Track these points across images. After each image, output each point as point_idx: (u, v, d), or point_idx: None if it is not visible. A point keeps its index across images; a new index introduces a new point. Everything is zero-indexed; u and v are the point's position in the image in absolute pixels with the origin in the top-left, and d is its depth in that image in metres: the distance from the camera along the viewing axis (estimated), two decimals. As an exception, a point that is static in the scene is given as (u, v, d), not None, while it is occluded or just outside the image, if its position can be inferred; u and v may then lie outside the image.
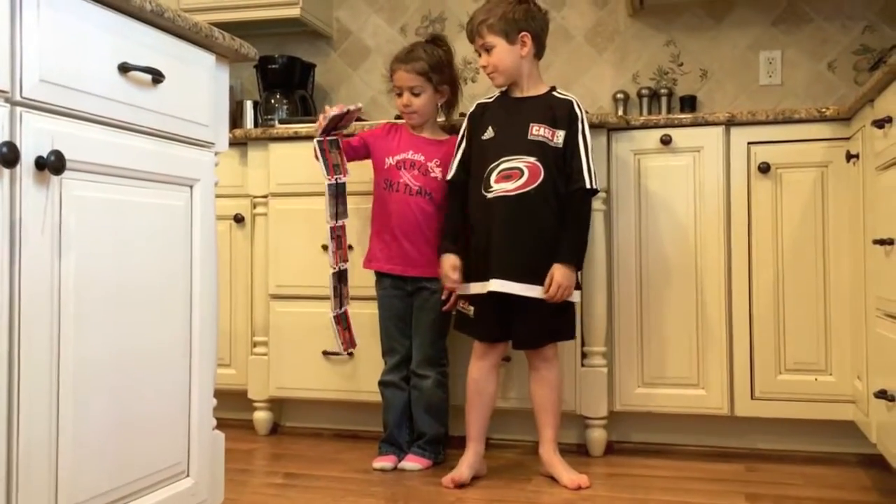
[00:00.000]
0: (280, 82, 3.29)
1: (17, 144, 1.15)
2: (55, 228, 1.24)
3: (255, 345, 2.74)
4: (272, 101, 3.28)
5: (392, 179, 2.38)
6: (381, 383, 2.42)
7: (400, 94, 2.40)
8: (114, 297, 1.37)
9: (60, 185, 1.25)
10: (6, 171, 1.15)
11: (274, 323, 2.70)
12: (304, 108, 3.28)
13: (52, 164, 1.19)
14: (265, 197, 2.72)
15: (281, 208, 2.69)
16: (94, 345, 1.32)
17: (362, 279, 2.48)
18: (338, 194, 2.35)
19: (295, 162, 2.66)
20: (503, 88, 2.29)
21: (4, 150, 1.12)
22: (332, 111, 2.32)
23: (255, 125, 3.29)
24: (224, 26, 3.04)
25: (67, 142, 1.25)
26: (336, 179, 2.34)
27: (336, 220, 2.36)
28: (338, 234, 2.36)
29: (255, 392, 2.72)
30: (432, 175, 2.38)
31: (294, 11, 3.19)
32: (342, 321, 2.39)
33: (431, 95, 2.40)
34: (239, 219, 2.78)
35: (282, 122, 2.95)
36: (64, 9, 1.26)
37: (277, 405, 2.79)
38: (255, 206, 2.75)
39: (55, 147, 1.21)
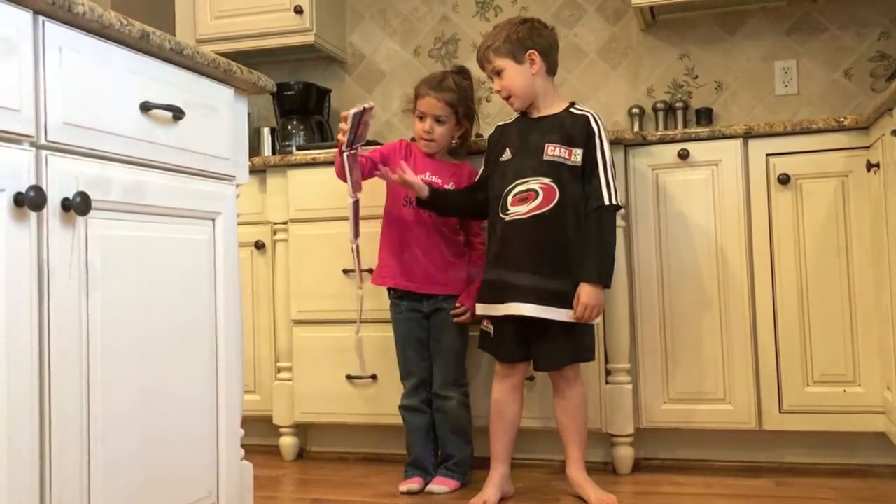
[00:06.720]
0: (296, 108, 3.31)
1: (44, 187, 1.17)
2: (82, 268, 1.25)
3: (279, 370, 2.75)
4: (289, 127, 3.30)
5: (411, 197, 2.38)
6: (402, 407, 2.42)
7: (421, 119, 2.41)
8: (140, 334, 1.38)
9: (86, 225, 1.26)
10: (33, 214, 1.16)
11: (297, 348, 2.71)
12: (321, 134, 3.31)
13: (77, 206, 1.21)
14: (285, 223, 2.74)
15: (301, 234, 2.71)
16: (121, 382, 1.34)
17: (376, 302, 2.49)
18: (356, 213, 2.29)
19: (314, 187, 2.68)
20: (522, 110, 2.28)
21: (31, 193, 1.13)
22: (352, 111, 2.18)
23: (273, 152, 3.32)
24: (239, 55, 3.12)
25: (92, 182, 1.26)
26: (355, 198, 2.27)
27: (356, 240, 2.30)
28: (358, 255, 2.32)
29: (281, 418, 2.73)
30: None
31: (308, 38, 3.22)
32: None
33: (452, 127, 2.41)
34: (260, 245, 2.80)
35: (299, 148, 2.97)
36: (85, 52, 1.29)
37: (303, 430, 2.80)
38: (275, 232, 2.76)
39: (80, 188, 1.23)
